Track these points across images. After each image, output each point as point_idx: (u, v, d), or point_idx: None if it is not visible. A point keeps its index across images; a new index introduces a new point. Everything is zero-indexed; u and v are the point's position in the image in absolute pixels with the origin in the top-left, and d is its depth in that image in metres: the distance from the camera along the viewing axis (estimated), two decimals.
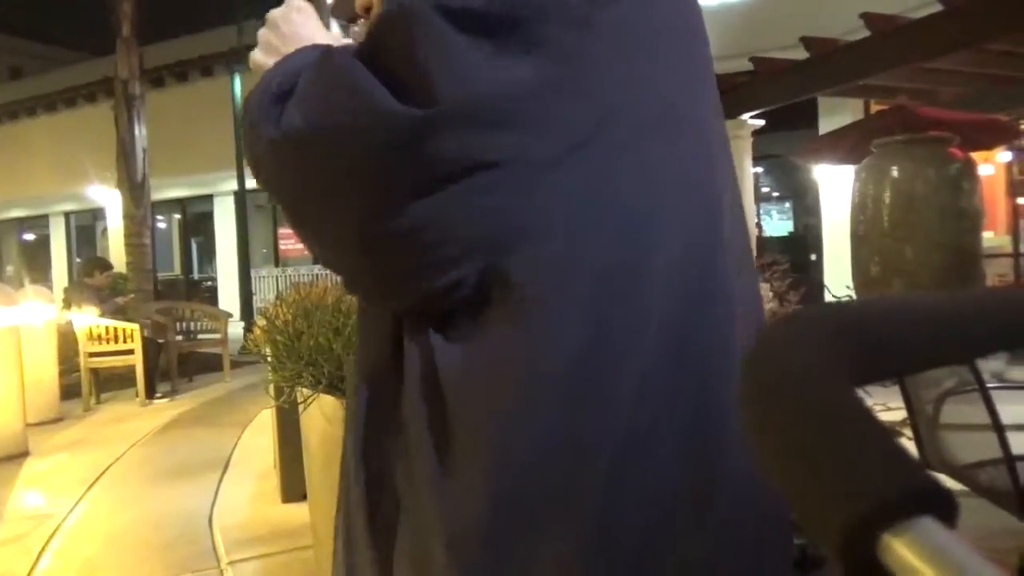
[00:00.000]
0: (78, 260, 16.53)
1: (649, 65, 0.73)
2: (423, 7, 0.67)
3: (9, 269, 19.78)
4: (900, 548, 0.24)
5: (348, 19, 0.93)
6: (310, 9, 0.87)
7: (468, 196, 0.67)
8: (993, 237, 7.51)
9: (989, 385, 1.94)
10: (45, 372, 5.90)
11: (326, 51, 0.75)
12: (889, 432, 0.27)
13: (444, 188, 0.67)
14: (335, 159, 0.70)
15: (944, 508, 0.25)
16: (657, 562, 0.69)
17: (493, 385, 0.69)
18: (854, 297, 4.94)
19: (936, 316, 0.39)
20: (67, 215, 18.27)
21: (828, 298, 6.19)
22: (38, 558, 3.01)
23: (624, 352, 0.68)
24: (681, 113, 0.75)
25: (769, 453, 0.28)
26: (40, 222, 18.93)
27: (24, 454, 4.78)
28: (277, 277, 14.10)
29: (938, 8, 4.35)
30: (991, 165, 8.60)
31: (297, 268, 14.18)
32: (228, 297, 13.68)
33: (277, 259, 15.74)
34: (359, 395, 0.84)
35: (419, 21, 0.67)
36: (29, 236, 19.99)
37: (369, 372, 0.83)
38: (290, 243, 15.61)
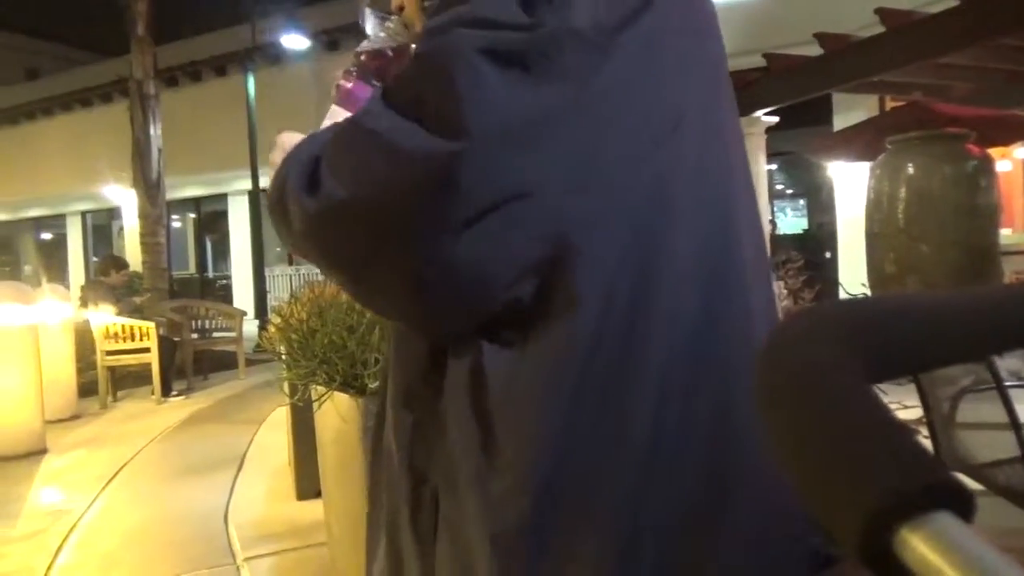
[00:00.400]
0: (94, 259, 16.68)
1: (664, 75, 0.77)
2: (457, 44, 0.71)
3: (27, 268, 19.97)
4: (917, 542, 0.24)
5: (384, 13, 0.95)
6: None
7: (507, 225, 0.71)
8: (1011, 234, 7.43)
9: (1007, 383, 1.92)
10: (62, 370, 5.96)
11: (347, 120, 0.79)
12: (905, 428, 0.27)
13: (484, 220, 0.70)
14: (382, 215, 0.73)
15: (961, 503, 0.25)
16: (679, 559, 0.71)
17: (539, 385, 0.72)
18: (869, 295, 4.90)
19: (952, 313, 0.39)
20: (83, 214, 18.42)
21: (842, 296, 6.15)
22: (57, 553, 3.04)
23: (648, 351, 0.72)
24: (696, 116, 0.78)
25: (785, 448, 0.29)
26: (57, 221, 19.10)
27: (42, 451, 4.83)
28: (291, 276, 14.16)
29: (953, 3, 4.31)
30: (1008, 161, 8.52)
31: (311, 267, 14.21)
32: (242, 295, 13.76)
33: (291, 258, 15.80)
34: (396, 406, 0.86)
35: (454, 57, 0.71)
36: (46, 235, 20.18)
37: (404, 392, 0.85)
38: None
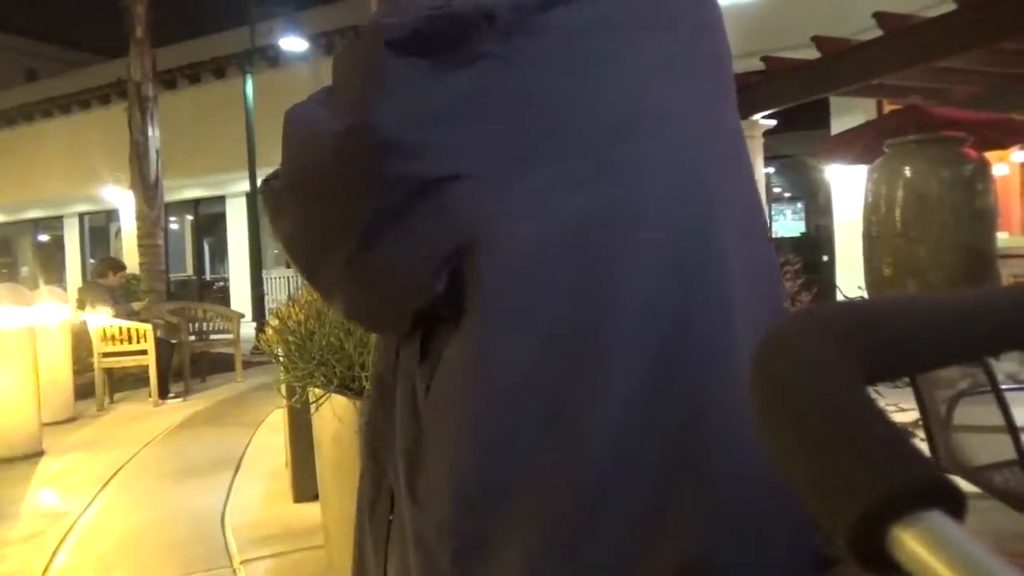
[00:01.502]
0: (92, 261, 16.64)
1: (606, 65, 0.73)
2: (369, 36, 0.73)
3: (24, 270, 19.95)
4: (909, 541, 0.25)
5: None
6: None
7: (430, 213, 0.70)
8: (1008, 238, 7.44)
9: (1003, 386, 1.92)
10: (60, 372, 5.95)
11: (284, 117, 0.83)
12: (897, 428, 0.27)
13: (409, 209, 0.70)
14: (306, 201, 0.78)
15: (952, 502, 0.25)
16: (626, 569, 0.67)
17: (457, 385, 0.71)
18: (866, 297, 4.90)
19: (949, 315, 0.39)
20: (81, 216, 18.40)
21: (840, 299, 6.15)
22: (53, 556, 3.03)
23: (599, 352, 0.68)
24: (656, 108, 0.74)
25: (780, 447, 0.29)
26: (54, 223, 19.08)
27: (39, 453, 4.82)
28: (289, 278, 14.15)
29: (951, 7, 4.32)
30: (1005, 165, 8.54)
31: None
32: (240, 297, 13.75)
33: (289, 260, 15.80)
34: (372, 403, 0.88)
35: (363, 49, 0.73)
36: (44, 237, 20.15)
37: (377, 382, 0.86)
38: None
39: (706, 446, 0.68)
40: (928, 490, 0.25)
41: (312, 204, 0.77)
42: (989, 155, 5.20)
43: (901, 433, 0.27)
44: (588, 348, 0.68)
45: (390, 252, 0.72)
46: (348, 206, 0.73)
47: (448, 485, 0.70)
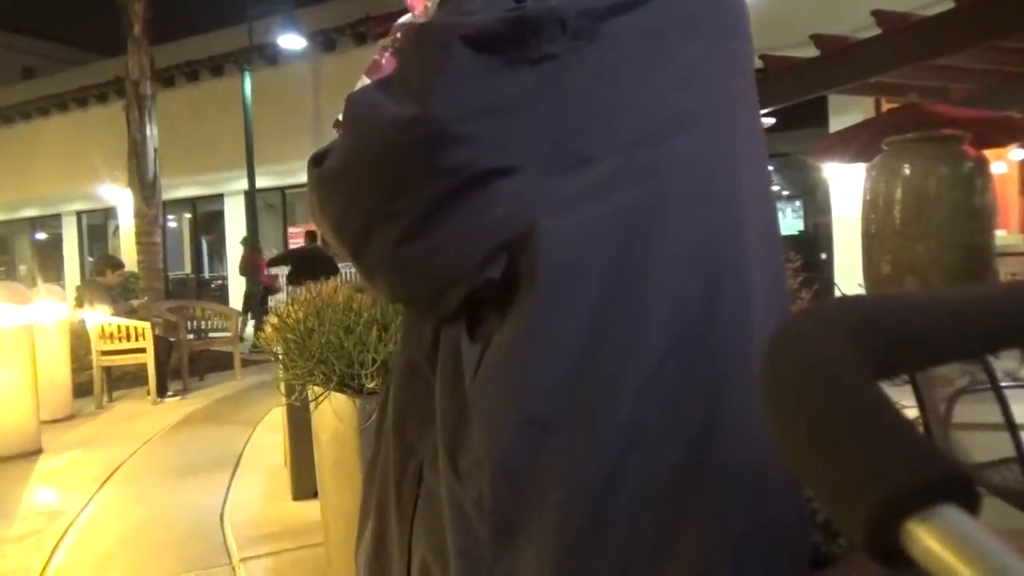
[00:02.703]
0: (90, 259, 16.63)
1: (666, 70, 0.77)
2: (439, 28, 0.76)
3: (22, 268, 19.92)
4: (922, 535, 0.24)
5: None
6: None
7: (484, 203, 0.73)
8: (1006, 235, 7.45)
9: (1002, 384, 1.92)
10: (58, 370, 5.94)
11: (345, 102, 0.84)
12: (909, 422, 0.27)
13: (463, 198, 0.73)
14: (361, 183, 0.79)
15: (966, 496, 0.25)
16: (644, 555, 0.70)
17: (505, 366, 0.73)
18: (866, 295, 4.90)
19: (955, 311, 0.39)
20: (79, 214, 18.37)
21: (838, 296, 6.15)
22: (52, 554, 3.03)
23: (630, 342, 0.71)
24: (692, 112, 0.77)
25: (791, 443, 0.29)
26: (52, 221, 19.05)
27: (38, 451, 4.82)
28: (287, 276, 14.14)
29: (950, 5, 4.32)
30: (1004, 163, 8.55)
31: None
32: (238, 296, 13.73)
33: None
34: (396, 386, 0.89)
35: (432, 40, 0.75)
36: (42, 235, 20.12)
37: (407, 366, 0.88)
38: (299, 242, 15.65)
39: (724, 443, 0.71)
40: (942, 484, 0.25)
41: (367, 187, 0.78)
42: (987, 153, 5.20)
43: (913, 428, 0.26)
44: (626, 335, 0.72)
45: (441, 238, 0.74)
46: (404, 191, 0.75)
47: (489, 461, 0.72)
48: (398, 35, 0.97)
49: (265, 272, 11.71)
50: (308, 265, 11.00)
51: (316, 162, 0.84)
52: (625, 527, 0.70)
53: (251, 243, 11.77)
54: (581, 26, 0.74)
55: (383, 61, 0.97)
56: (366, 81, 0.95)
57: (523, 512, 0.71)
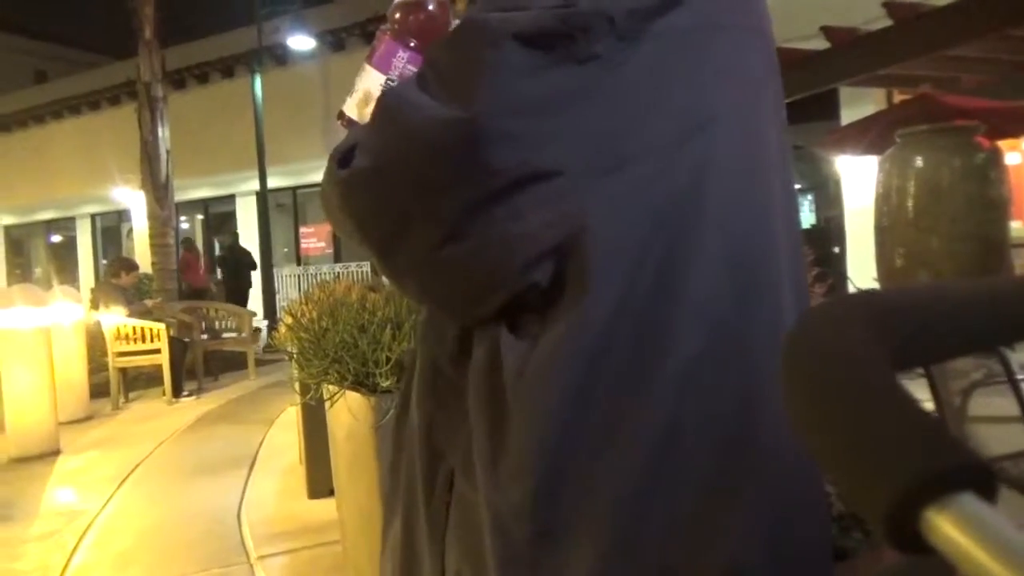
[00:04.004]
0: (104, 261, 16.75)
1: (701, 71, 0.77)
2: (487, 25, 0.73)
3: (38, 271, 20.09)
4: (942, 523, 0.25)
5: None
6: None
7: (530, 204, 0.71)
8: (1021, 227, 7.38)
9: (1019, 376, 1.91)
10: (75, 372, 5.99)
11: (378, 99, 0.82)
12: (928, 412, 0.28)
13: (505, 201, 0.71)
14: (400, 184, 0.75)
15: (985, 484, 0.26)
16: (682, 555, 0.70)
17: (549, 371, 0.72)
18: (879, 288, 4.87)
19: (976, 302, 0.40)
20: (93, 217, 18.51)
21: (852, 291, 6.12)
22: (72, 553, 3.06)
23: (668, 343, 0.71)
24: (736, 115, 0.78)
25: (812, 433, 0.29)
26: (67, 224, 19.20)
27: (56, 452, 4.86)
28: (299, 276, 14.20)
29: None
30: (1018, 153, 8.46)
31: (319, 266, 14.28)
32: (251, 296, 13.81)
33: (299, 258, 15.85)
34: (422, 386, 0.87)
35: (480, 37, 0.73)
36: (56, 238, 20.28)
37: (431, 370, 0.86)
38: (311, 242, 15.70)
39: (759, 441, 0.72)
40: (961, 472, 0.26)
41: (404, 187, 0.75)
42: (1001, 144, 5.15)
43: (933, 417, 0.27)
44: (665, 336, 0.72)
45: (481, 242, 0.73)
46: (444, 193, 0.73)
47: (532, 466, 0.71)
48: (396, 16, 0.92)
49: (201, 272, 12.23)
50: (233, 267, 11.83)
51: (342, 161, 0.80)
52: (665, 526, 0.70)
53: (187, 243, 12.47)
54: (627, 26, 0.73)
55: (381, 44, 0.92)
56: (368, 68, 0.91)
57: (566, 517, 0.71)
